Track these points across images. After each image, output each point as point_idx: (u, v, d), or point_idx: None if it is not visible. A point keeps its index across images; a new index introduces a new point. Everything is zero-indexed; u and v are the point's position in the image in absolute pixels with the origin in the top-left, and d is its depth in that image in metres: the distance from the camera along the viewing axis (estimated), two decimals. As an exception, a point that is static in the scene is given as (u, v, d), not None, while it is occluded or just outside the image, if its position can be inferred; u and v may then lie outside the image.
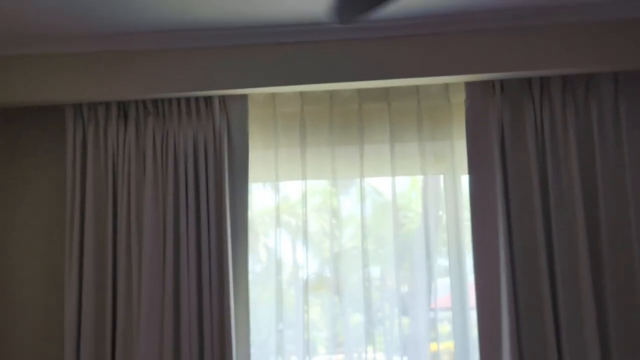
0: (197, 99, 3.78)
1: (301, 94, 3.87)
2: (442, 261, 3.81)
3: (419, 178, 3.87)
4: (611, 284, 3.57)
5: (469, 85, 3.75)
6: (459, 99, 3.80)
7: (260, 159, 3.87)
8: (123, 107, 3.82)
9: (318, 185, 3.99)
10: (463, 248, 3.77)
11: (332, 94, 3.87)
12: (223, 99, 3.79)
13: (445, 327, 3.78)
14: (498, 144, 3.67)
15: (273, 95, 3.87)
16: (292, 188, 3.92)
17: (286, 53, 3.71)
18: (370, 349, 3.72)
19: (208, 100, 3.77)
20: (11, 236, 3.95)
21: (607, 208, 3.60)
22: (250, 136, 3.78)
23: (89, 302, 3.66)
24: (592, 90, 3.68)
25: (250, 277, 3.75)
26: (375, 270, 3.81)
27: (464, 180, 3.79)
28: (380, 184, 3.96)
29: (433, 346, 3.72)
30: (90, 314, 3.65)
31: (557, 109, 3.68)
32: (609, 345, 3.53)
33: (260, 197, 3.97)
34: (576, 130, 3.66)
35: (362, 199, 3.81)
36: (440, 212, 3.84)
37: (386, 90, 3.85)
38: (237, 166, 3.76)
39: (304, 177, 3.81)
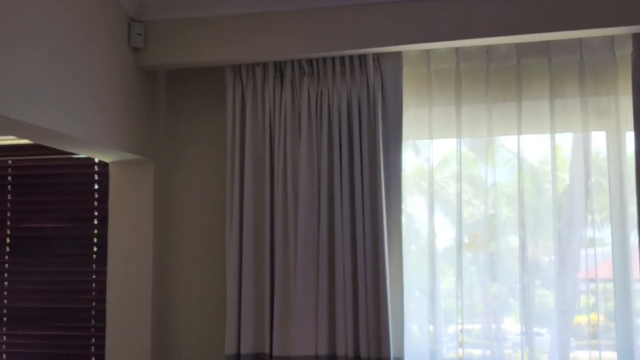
0: (351, 57, 3.78)
1: (456, 49, 3.78)
2: (593, 229, 3.61)
3: (572, 140, 3.72)
4: None
5: (636, 36, 3.53)
6: (625, 52, 3.60)
7: (413, 117, 3.84)
8: (279, 67, 3.89)
9: (456, 151, 3.84)
10: (627, 211, 3.60)
11: (488, 49, 3.76)
12: (377, 56, 3.77)
13: (590, 299, 3.60)
14: (667, 99, 3.46)
15: (427, 52, 3.81)
16: (434, 151, 3.83)
17: (441, 8, 3.63)
18: (507, 319, 3.66)
19: (362, 58, 3.76)
20: (177, 188, 4.17)
21: None
22: (403, 94, 3.75)
23: (248, 266, 3.79)
24: None
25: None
26: (518, 239, 3.66)
27: (629, 137, 3.61)
28: (527, 149, 3.78)
29: (578, 318, 3.60)
30: (249, 268, 3.79)
31: None
32: None
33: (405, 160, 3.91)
34: None
35: (519, 167, 3.69)
36: (597, 176, 3.68)
37: (546, 44, 3.70)
38: (391, 125, 3.74)
39: (458, 136, 3.76)
